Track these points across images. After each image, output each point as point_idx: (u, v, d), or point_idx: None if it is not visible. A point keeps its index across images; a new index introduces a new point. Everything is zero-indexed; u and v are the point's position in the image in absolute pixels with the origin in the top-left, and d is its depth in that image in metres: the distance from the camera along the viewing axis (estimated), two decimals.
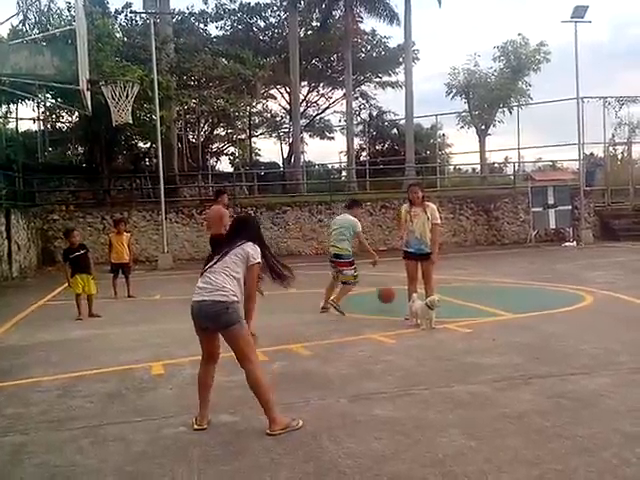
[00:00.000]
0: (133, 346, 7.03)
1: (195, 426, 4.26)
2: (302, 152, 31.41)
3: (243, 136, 33.15)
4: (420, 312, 7.33)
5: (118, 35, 20.68)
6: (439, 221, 7.81)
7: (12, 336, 8.00)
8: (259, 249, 4.32)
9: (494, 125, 27.15)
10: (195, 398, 4.89)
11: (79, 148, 25.89)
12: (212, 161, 33.85)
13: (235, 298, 4.17)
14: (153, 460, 3.75)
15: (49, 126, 25.30)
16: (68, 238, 9.46)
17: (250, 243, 4.30)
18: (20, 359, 6.62)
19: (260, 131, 38.24)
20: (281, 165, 35.07)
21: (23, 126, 25.59)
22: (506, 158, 30.20)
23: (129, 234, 11.76)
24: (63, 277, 14.81)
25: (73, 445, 4.05)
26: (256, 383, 4.20)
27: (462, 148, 51.78)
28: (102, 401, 4.99)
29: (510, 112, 26.53)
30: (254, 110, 32.59)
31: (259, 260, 4.27)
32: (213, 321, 4.18)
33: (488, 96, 25.57)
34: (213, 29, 32.03)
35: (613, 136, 25.33)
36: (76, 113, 20.55)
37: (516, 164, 26.01)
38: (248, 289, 4.24)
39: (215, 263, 4.26)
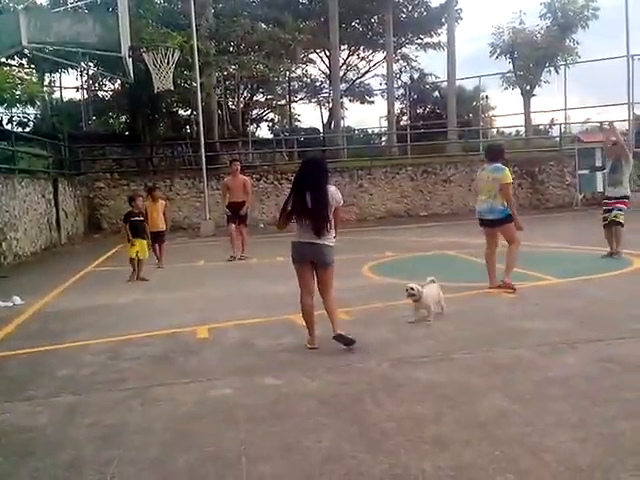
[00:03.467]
0: (178, 310, 7.20)
1: (308, 345, 5.27)
2: (342, 117, 31.14)
3: (283, 102, 33.02)
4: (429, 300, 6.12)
5: (158, 1, 20.66)
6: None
7: (62, 301, 8.28)
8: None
9: (539, 85, 26.27)
10: (239, 361, 5.04)
11: (122, 116, 26.20)
12: (252, 127, 33.86)
13: (334, 243, 5.34)
14: (201, 420, 3.86)
15: (92, 95, 25.64)
16: (132, 202, 10.14)
17: (332, 187, 5.32)
18: (70, 323, 6.84)
19: (300, 96, 38.01)
20: (321, 130, 34.87)
21: (67, 95, 26.05)
22: (552, 120, 29.37)
23: (164, 202, 11.69)
24: (109, 244, 15.23)
25: (124, 405, 4.19)
26: (334, 302, 5.37)
27: (506, 110, 50.58)
28: (150, 363, 5.13)
29: (557, 71, 25.66)
30: (293, 75, 32.32)
31: (342, 202, 5.40)
32: (322, 259, 5.25)
33: (534, 55, 24.70)
34: None
35: None
36: (118, 81, 20.76)
37: (562, 125, 25.25)
38: (337, 225, 5.41)
39: (325, 209, 5.17)
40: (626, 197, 9.57)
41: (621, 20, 18.80)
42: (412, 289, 5.99)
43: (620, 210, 9.44)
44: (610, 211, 9.49)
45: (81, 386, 4.64)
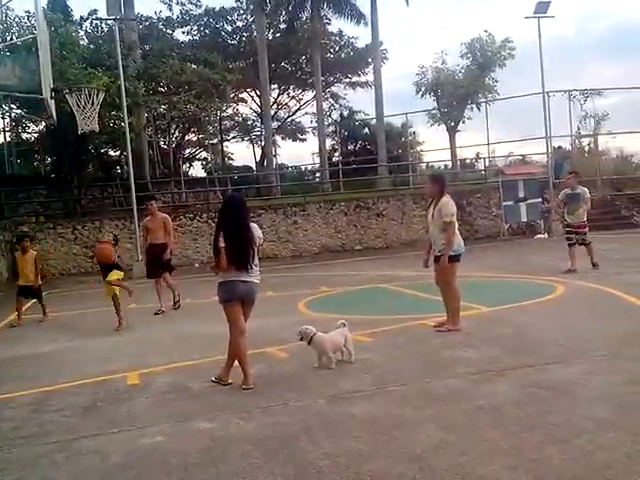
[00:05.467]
0: (108, 357, 6.94)
1: (244, 386, 5.20)
2: (275, 155, 31.41)
3: (215, 141, 33.01)
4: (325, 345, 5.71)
5: (83, 42, 20.40)
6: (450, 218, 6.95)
7: None
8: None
9: (463, 122, 27.33)
10: (172, 407, 4.92)
11: (47, 158, 25.48)
12: (185, 167, 33.62)
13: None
14: (130, 472, 3.71)
15: (15, 137, 24.85)
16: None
17: (254, 224, 5.50)
18: None
19: (232, 135, 38.13)
20: (254, 168, 34.98)
21: None
22: (477, 154, 30.44)
23: (35, 252, 10.43)
24: None
25: (47, 460, 3.99)
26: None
27: (433, 145, 52.03)
28: (77, 414, 4.92)
29: (478, 108, 26.75)
30: (225, 114, 32.43)
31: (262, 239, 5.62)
32: (252, 297, 5.39)
33: (456, 93, 25.69)
34: (180, 35, 31.81)
35: (579, 129, 25.64)
36: (42, 123, 20.25)
37: (486, 159, 26.25)
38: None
39: (251, 245, 5.29)
40: (584, 222, 11.07)
41: (537, 58, 19.81)
42: (299, 332, 5.71)
43: (584, 234, 11.01)
44: (576, 234, 11.00)
45: (2, 442, 4.39)
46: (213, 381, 5.40)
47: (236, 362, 5.36)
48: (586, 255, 11.01)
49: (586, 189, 11.32)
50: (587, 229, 11.12)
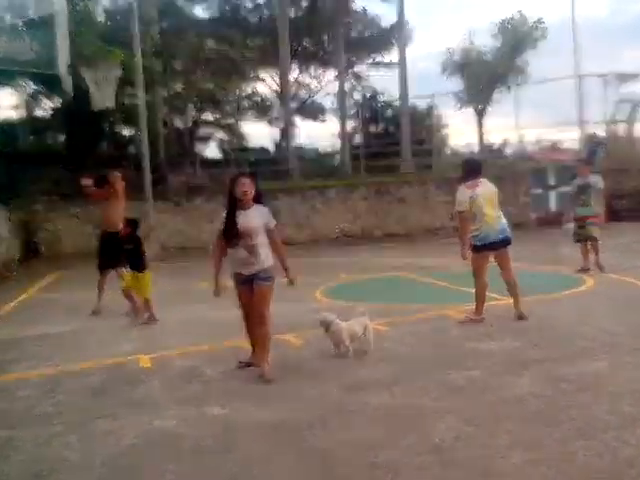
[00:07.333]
0: (122, 339, 6.88)
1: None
2: (294, 136, 31.11)
3: (232, 120, 32.81)
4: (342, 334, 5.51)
5: (101, 19, 20.20)
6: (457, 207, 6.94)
7: None
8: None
9: (491, 105, 26.70)
10: (185, 391, 4.90)
11: (61, 136, 25.39)
12: (201, 147, 33.50)
13: None
14: (142, 453, 3.67)
15: (29, 113, 24.80)
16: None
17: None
18: (7, 354, 6.46)
19: (250, 115, 37.87)
20: (272, 150, 34.78)
21: (1, 114, 25.05)
22: (505, 139, 29.76)
23: None
24: (48, 270, 14.53)
25: (61, 440, 3.96)
26: None
27: (459, 129, 50.81)
28: (90, 395, 4.87)
29: (508, 90, 26.08)
30: (243, 94, 32.17)
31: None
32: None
33: (485, 74, 25.09)
34: (199, 11, 31.45)
35: (614, 114, 24.84)
36: (57, 100, 20.15)
37: (515, 145, 25.60)
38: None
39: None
40: (595, 214, 9.96)
41: (570, 40, 19.17)
42: (320, 320, 5.52)
43: (592, 224, 9.77)
44: (583, 227, 9.82)
45: (16, 420, 4.38)
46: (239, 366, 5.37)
47: (246, 345, 5.33)
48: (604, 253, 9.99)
49: (599, 178, 10.19)
50: (597, 220, 9.91)
